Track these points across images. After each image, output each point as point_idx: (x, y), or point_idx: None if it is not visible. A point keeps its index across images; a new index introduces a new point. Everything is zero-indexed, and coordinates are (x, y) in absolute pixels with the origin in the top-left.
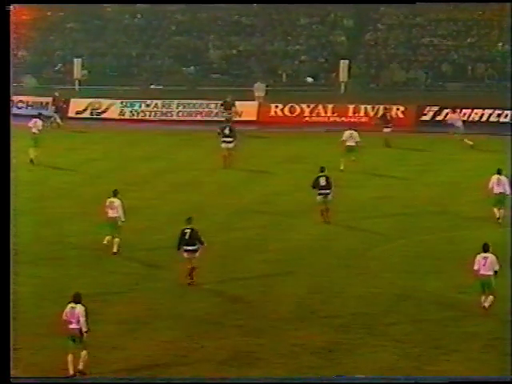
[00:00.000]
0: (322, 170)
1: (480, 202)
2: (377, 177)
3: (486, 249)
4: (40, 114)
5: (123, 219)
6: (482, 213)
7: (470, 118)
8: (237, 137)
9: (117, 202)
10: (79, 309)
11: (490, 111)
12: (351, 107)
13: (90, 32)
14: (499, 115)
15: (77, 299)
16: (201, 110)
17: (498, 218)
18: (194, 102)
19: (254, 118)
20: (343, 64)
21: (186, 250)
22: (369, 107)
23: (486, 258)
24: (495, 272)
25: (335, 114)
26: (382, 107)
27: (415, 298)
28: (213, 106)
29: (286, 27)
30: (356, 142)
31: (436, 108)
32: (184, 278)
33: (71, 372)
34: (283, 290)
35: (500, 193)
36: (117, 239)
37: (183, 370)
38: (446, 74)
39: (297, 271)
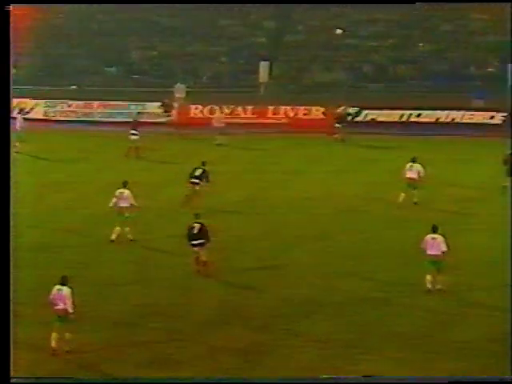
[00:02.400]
0: (204, 163)
1: (397, 202)
2: (297, 178)
3: (434, 230)
4: None
5: (136, 204)
6: (401, 212)
7: (391, 118)
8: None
9: (126, 192)
10: (65, 291)
11: (410, 111)
12: (271, 109)
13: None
14: (419, 115)
15: (64, 281)
16: (122, 110)
17: (416, 203)
18: (115, 102)
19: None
20: (263, 65)
21: (193, 245)
22: (289, 108)
23: (434, 238)
24: (443, 252)
25: (255, 116)
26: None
27: (335, 298)
28: (133, 107)
29: (206, 28)
30: None
31: (356, 109)
32: (195, 266)
33: (53, 346)
34: (203, 292)
35: (411, 178)
36: (127, 228)
37: (103, 368)
38: (367, 74)
39: (217, 272)
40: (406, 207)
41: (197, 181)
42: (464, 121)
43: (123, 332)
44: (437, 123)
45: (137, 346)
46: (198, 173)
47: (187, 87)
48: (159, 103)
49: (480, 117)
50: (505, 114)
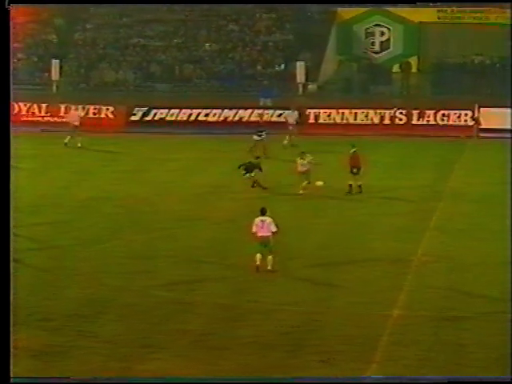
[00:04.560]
0: None
1: (192, 203)
2: (89, 177)
3: (263, 212)
4: None
5: None
6: (192, 212)
7: (179, 118)
8: None
9: None
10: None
11: (198, 111)
12: (63, 107)
13: None
14: (207, 115)
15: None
16: None
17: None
18: None
19: None
20: (55, 63)
21: None
22: (80, 107)
23: (263, 220)
24: (273, 233)
25: (48, 114)
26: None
27: (126, 298)
28: None
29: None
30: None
31: (145, 108)
32: None
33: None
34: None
35: (305, 171)
36: None
37: None
38: (155, 74)
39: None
40: (192, 203)
41: None
42: (252, 119)
43: None
44: (226, 122)
45: None
46: None
47: None
48: None
49: (268, 115)
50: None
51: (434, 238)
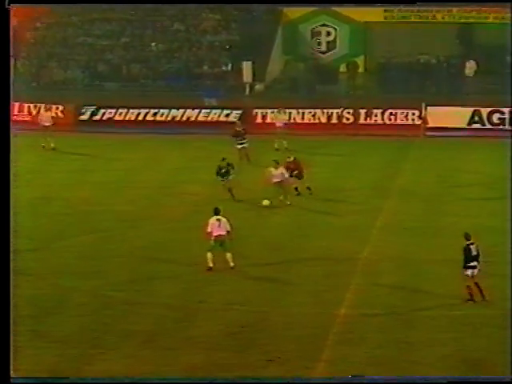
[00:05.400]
0: None
1: (139, 203)
2: (36, 177)
3: (217, 212)
4: None
5: None
6: (139, 212)
7: (127, 118)
8: None
9: None
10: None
11: (145, 110)
12: (17, 105)
13: None
14: (155, 114)
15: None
16: None
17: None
18: None
19: None
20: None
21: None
22: (32, 106)
23: (219, 219)
24: (227, 232)
25: None
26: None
27: (76, 298)
28: None
29: None
30: None
31: (93, 108)
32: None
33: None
34: None
35: (278, 181)
36: None
37: None
38: (103, 73)
39: None
40: (139, 203)
41: None
42: (200, 119)
43: None
44: (173, 122)
45: None
46: None
47: None
48: None
49: (215, 115)
50: (240, 112)
51: (381, 237)
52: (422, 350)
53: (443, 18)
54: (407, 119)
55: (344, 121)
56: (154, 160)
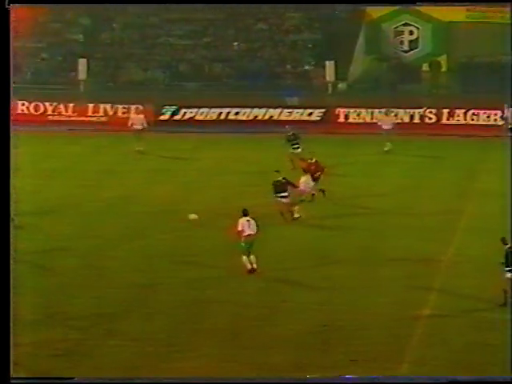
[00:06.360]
0: None
1: (206, 202)
2: (113, 176)
3: (245, 213)
4: None
5: None
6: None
7: (208, 117)
8: None
9: None
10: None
11: (227, 110)
12: (91, 106)
13: None
14: (237, 113)
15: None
16: None
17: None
18: None
19: None
20: (81, 62)
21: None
22: (108, 106)
23: (248, 220)
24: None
25: (75, 114)
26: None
27: (153, 297)
28: None
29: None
30: None
31: (174, 107)
32: None
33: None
34: (23, 291)
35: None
36: None
37: None
38: (184, 73)
39: (38, 272)
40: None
41: None
42: (282, 118)
43: None
44: (255, 121)
45: None
46: None
47: (13, 83)
48: None
49: (297, 114)
50: (323, 111)
51: (464, 238)
52: (504, 353)
53: None
54: (489, 119)
55: (427, 120)
56: (236, 159)
